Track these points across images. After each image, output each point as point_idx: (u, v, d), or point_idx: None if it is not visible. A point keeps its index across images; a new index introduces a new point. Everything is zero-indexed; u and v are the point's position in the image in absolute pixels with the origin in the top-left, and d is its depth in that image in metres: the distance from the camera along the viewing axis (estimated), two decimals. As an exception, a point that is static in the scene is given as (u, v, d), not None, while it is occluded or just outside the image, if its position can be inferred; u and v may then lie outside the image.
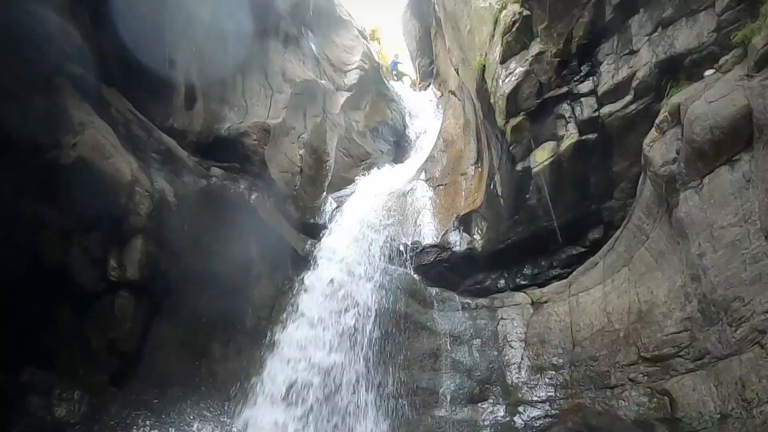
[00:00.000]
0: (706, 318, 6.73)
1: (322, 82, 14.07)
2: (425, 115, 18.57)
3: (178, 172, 9.37)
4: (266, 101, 11.87)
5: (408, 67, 24.47)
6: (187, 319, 8.79)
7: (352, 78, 16.12)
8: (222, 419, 8.56)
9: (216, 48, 11.20)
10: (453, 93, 15.13)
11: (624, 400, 7.67)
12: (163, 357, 8.48)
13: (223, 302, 9.23)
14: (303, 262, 10.51)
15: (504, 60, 9.58)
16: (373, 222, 11.66)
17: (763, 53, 6.50)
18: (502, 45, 9.60)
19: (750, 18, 7.02)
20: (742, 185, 6.54)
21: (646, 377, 7.48)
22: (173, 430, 7.93)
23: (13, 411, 7.19)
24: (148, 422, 7.87)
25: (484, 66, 10.21)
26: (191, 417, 8.24)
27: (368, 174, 14.41)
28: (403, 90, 20.65)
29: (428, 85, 21.40)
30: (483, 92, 10.37)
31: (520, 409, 8.84)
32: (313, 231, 11.30)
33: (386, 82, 18.73)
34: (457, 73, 13.93)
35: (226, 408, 8.65)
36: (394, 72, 22.45)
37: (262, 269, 10.02)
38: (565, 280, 9.66)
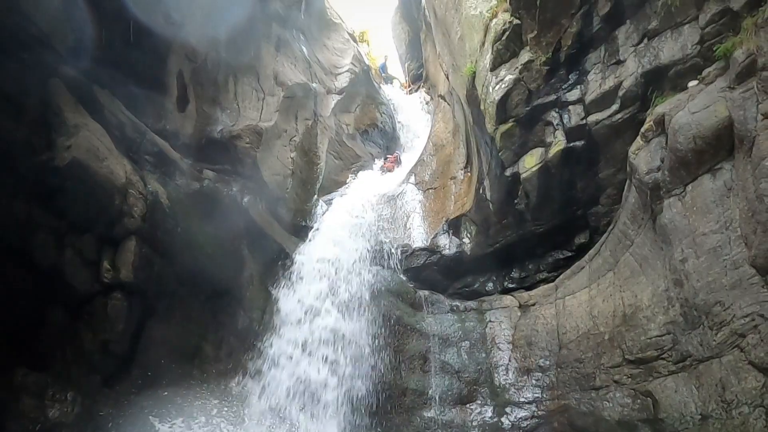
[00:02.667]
0: (688, 322, 6.92)
1: (314, 85, 14.15)
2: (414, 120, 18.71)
3: (171, 175, 9.42)
4: (258, 104, 11.93)
5: (396, 70, 24.65)
6: (179, 321, 8.87)
7: (342, 81, 16.23)
8: (214, 419, 8.63)
9: (208, 50, 11.26)
10: (442, 97, 15.28)
11: (608, 401, 7.83)
12: (155, 358, 8.53)
13: (215, 304, 9.34)
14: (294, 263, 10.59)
15: (494, 67, 9.74)
16: (362, 225, 11.77)
17: (744, 66, 6.71)
18: (492, 53, 9.75)
19: (732, 32, 7.22)
20: (723, 193, 6.75)
21: (630, 379, 7.65)
22: (166, 431, 7.96)
23: (6, 412, 7.22)
24: (140, 423, 7.91)
25: (475, 73, 10.36)
26: (184, 417, 8.28)
27: (357, 177, 14.52)
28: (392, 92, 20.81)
29: (417, 89, 21.54)
30: (473, 98, 10.52)
31: (508, 410, 9.01)
32: (305, 233, 11.39)
33: (376, 85, 18.85)
34: (447, 78, 14.08)
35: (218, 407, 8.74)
36: (384, 75, 22.56)
37: (254, 271, 10.10)
38: (552, 284, 9.83)
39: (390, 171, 15.44)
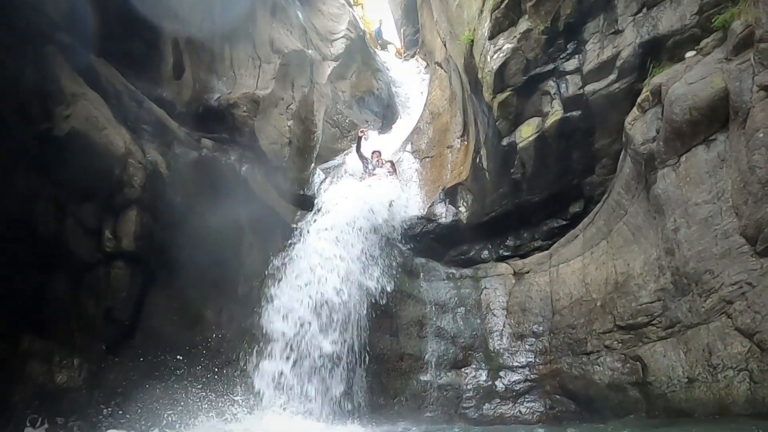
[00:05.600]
0: (678, 289, 7.12)
1: (310, 51, 13.99)
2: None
3: (169, 144, 9.41)
4: (254, 72, 11.83)
5: (392, 35, 24.37)
6: (180, 289, 8.98)
7: (338, 47, 16.02)
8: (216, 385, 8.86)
9: (203, 17, 11.11)
10: (439, 65, 15.18)
11: (599, 366, 8.08)
12: (158, 325, 8.70)
13: (216, 272, 9.43)
14: (293, 233, 10.68)
15: (492, 36, 9.70)
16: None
17: (741, 38, 6.75)
18: (490, 21, 9.70)
19: (731, 2, 7.25)
20: (716, 164, 6.87)
21: (620, 344, 7.88)
22: (171, 395, 8.18)
23: (15, 377, 7.41)
24: (146, 388, 8.12)
25: (473, 41, 10.32)
26: (187, 382, 8.50)
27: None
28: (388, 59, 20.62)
29: (413, 55, 21.34)
30: (471, 67, 10.50)
31: (501, 373, 9.28)
32: (303, 202, 11.45)
33: (372, 51, 18.64)
34: (444, 45, 13.97)
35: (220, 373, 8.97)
36: (380, 41, 22.31)
37: (254, 240, 10.18)
38: (546, 252, 9.99)
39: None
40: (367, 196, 10.91)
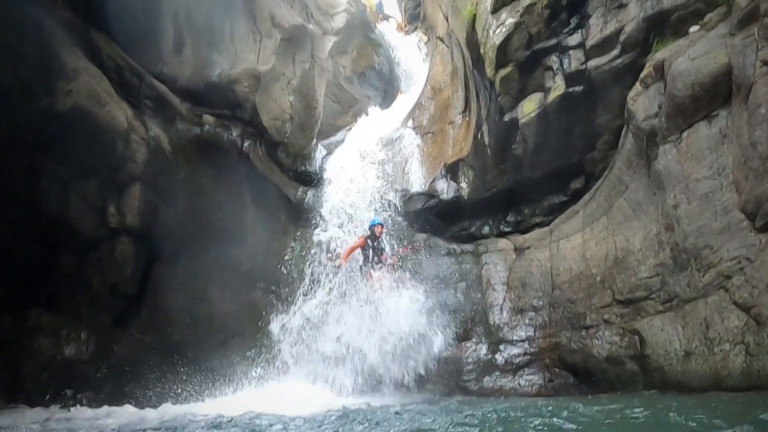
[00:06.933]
0: (677, 264, 7.18)
1: (310, 26, 13.84)
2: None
3: (171, 120, 9.41)
4: (255, 47, 11.73)
5: (393, 9, 24.00)
6: (185, 264, 9.07)
7: (339, 22, 15.86)
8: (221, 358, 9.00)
9: (203, -9, 11.00)
10: (441, 39, 15.00)
11: (598, 339, 8.17)
12: (163, 300, 8.82)
13: (219, 247, 9.50)
14: (295, 208, 10.72)
15: (495, 10, 9.59)
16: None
17: (746, 12, 6.69)
18: (493, -6, 9.60)
19: (736, -24, 7.16)
20: (718, 140, 6.87)
21: (618, 318, 7.97)
22: (176, 368, 8.32)
23: (24, 351, 7.54)
24: (152, 361, 8.26)
25: (475, 15, 10.20)
26: (193, 355, 8.63)
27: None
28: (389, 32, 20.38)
29: (414, 29, 21.07)
30: (473, 42, 10.39)
31: (501, 347, 9.39)
32: (304, 178, 11.46)
33: (373, 26, 18.44)
34: (446, 19, 13.81)
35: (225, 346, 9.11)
36: (380, 15, 22.02)
37: (256, 216, 10.23)
38: (546, 228, 10.03)
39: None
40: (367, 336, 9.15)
